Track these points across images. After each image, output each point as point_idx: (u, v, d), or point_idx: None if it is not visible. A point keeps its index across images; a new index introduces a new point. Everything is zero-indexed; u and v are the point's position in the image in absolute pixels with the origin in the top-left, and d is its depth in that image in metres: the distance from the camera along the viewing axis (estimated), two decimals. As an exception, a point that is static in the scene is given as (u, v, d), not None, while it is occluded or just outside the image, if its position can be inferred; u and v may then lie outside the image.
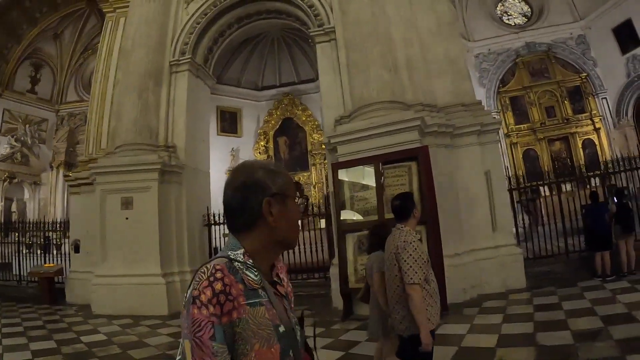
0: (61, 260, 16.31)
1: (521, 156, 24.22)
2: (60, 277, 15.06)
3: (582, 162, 20.36)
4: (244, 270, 1.54)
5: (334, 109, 11.80)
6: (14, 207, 24.78)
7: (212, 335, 1.37)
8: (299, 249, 13.06)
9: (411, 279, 3.84)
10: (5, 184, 24.50)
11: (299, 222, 1.79)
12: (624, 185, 16.89)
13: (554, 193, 14.77)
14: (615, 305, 7.87)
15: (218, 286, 1.42)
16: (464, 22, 25.47)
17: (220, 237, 13.93)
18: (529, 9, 26.41)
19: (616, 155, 15.07)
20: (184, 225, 13.05)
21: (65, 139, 26.47)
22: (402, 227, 4.18)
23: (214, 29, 15.08)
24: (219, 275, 1.44)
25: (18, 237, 18.28)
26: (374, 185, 9.83)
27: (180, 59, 14.26)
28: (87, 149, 15.61)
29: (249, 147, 22.29)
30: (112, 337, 9.32)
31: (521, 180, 13.41)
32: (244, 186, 1.63)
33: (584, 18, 24.16)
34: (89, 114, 16.08)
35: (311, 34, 13.06)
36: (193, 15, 14.57)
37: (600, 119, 23.13)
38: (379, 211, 9.58)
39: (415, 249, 3.96)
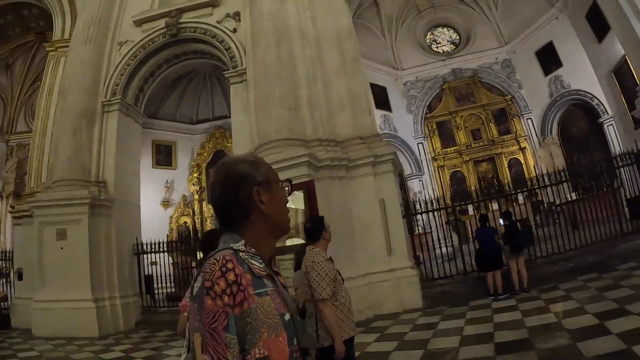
0: (7, 287, 16.77)
1: (448, 178, 25.11)
2: (5, 303, 15.72)
3: (508, 180, 21.19)
4: (250, 260, 1.58)
5: (243, 147, 12.59)
6: (-37, 237, 24.51)
7: (226, 326, 1.40)
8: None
9: (320, 294, 4.14)
10: (-46, 213, 24.30)
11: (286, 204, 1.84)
12: (551, 199, 17.83)
13: (481, 212, 15.36)
14: (485, 325, 8.38)
15: (231, 277, 1.45)
16: (394, 52, 26.58)
17: (148, 265, 14.78)
18: (457, 37, 27.63)
19: (542, 172, 15.68)
20: (114, 254, 13.76)
21: (14, 169, 26.33)
22: (312, 248, 4.47)
23: (144, 70, 15.87)
24: (230, 265, 1.48)
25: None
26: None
27: (112, 99, 14.98)
28: (29, 183, 16.38)
29: (183, 179, 22.70)
30: (43, 354, 10.40)
31: (441, 201, 13.94)
32: (230, 181, 1.69)
33: (509, 43, 25.59)
34: (31, 150, 16.80)
35: (226, 75, 14.00)
36: (124, 57, 15.35)
37: (525, 138, 24.30)
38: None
39: (323, 267, 4.24)
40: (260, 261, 1.62)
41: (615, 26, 15.34)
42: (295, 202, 10.05)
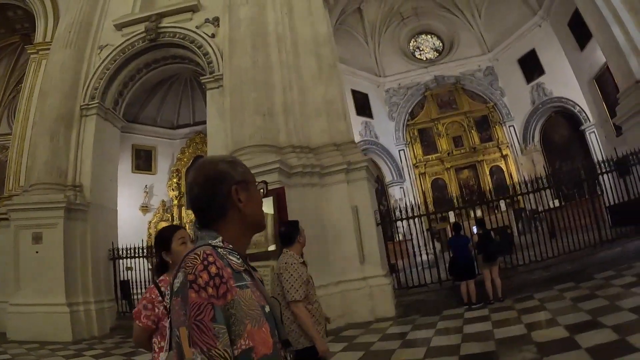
0: (-16, 291, 16.65)
1: (430, 185, 25.14)
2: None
3: (489, 188, 21.23)
4: (228, 255, 1.61)
5: (219, 152, 12.44)
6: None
7: (213, 317, 1.42)
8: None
9: (292, 296, 4.17)
10: None
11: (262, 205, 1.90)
12: (533, 207, 17.87)
13: (462, 220, 15.32)
14: (454, 336, 8.41)
15: (213, 269, 1.48)
16: (376, 59, 26.72)
17: (124, 271, 14.71)
18: (440, 44, 27.81)
19: (524, 179, 15.67)
20: (89, 259, 13.68)
21: (-5, 171, 25.94)
22: (287, 251, 4.52)
23: (123, 74, 15.81)
24: (211, 259, 1.50)
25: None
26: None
27: (90, 103, 14.90)
28: (8, 186, 16.24)
29: (162, 184, 22.53)
30: (15, 358, 10.41)
31: (416, 209, 13.85)
32: (210, 179, 1.73)
33: (492, 50, 25.78)
34: (10, 152, 16.69)
35: (203, 80, 13.99)
36: (104, 61, 15.30)
37: (507, 145, 24.43)
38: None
39: (296, 269, 4.29)
40: (238, 257, 1.65)
41: (597, 33, 15.39)
42: (265, 208, 10.05)
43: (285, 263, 4.37)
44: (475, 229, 12.05)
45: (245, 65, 12.47)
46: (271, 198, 10.05)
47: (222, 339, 1.41)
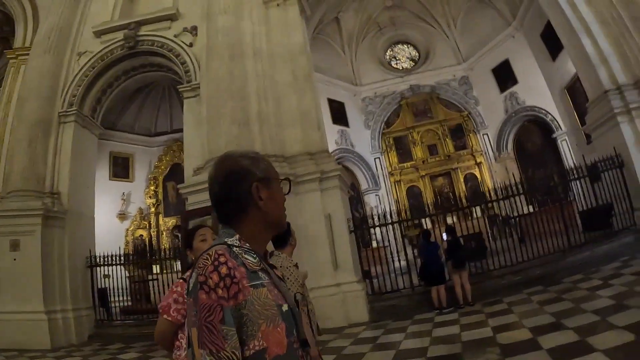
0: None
1: (405, 193, 25.41)
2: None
3: (464, 194, 21.47)
4: (243, 254, 1.59)
5: (194, 161, 12.70)
6: None
7: (222, 318, 1.42)
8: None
9: None
10: None
11: (284, 202, 1.85)
12: (506, 213, 18.11)
13: (436, 226, 15.47)
14: (423, 339, 8.57)
15: (223, 270, 1.46)
16: (353, 68, 27.00)
17: (102, 278, 14.68)
18: (417, 53, 28.24)
19: (497, 185, 15.85)
20: (66, 267, 13.64)
21: (-28, 178, 25.43)
22: (279, 254, 4.45)
23: (102, 81, 15.87)
24: (222, 259, 1.49)
25: None
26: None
27: (68, 110, 14.93)
28: (-15, 193, 16.17)
29: (140, 191, 22.53)
30: (-7, 366, 10.34)
31: (389, 216, 14.00)
32: (230, 176, 1.71)
33: (466, 60, 26.26)
34: (-13, 159, 16.55)
35: (180, 89, 14.16)
36: (82, 68, 15.36)
37: (481, 153, 24.87)
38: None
39: (291, 272, 4.28)
40: (254, 256, 1.63)
41: (567, 45, 15.70)
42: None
43: (281, 266, 4.31)
44: (445, 236, 12.24)
45: (222, 75, 12.66)
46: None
47: (231, 340, 1.41)
